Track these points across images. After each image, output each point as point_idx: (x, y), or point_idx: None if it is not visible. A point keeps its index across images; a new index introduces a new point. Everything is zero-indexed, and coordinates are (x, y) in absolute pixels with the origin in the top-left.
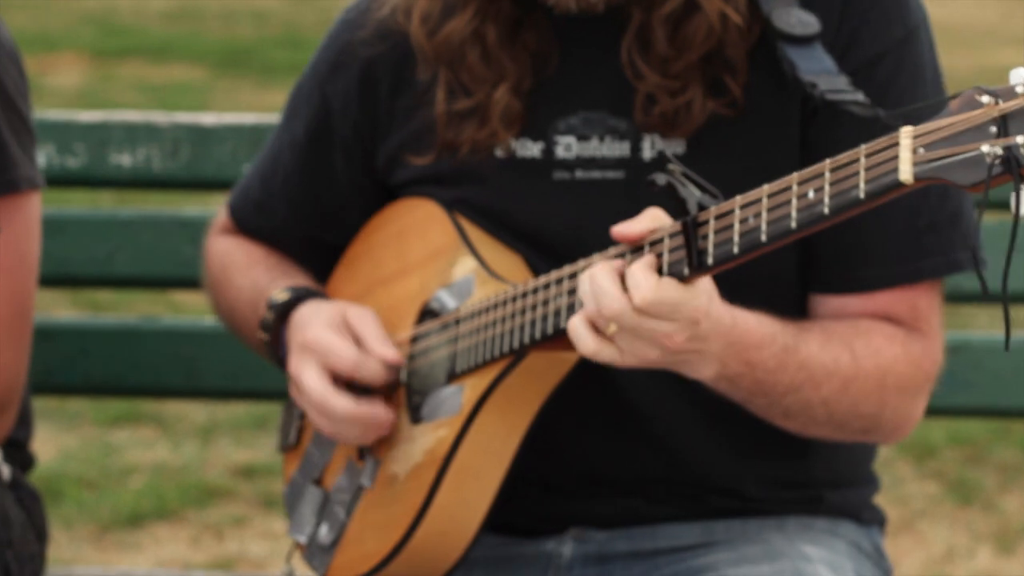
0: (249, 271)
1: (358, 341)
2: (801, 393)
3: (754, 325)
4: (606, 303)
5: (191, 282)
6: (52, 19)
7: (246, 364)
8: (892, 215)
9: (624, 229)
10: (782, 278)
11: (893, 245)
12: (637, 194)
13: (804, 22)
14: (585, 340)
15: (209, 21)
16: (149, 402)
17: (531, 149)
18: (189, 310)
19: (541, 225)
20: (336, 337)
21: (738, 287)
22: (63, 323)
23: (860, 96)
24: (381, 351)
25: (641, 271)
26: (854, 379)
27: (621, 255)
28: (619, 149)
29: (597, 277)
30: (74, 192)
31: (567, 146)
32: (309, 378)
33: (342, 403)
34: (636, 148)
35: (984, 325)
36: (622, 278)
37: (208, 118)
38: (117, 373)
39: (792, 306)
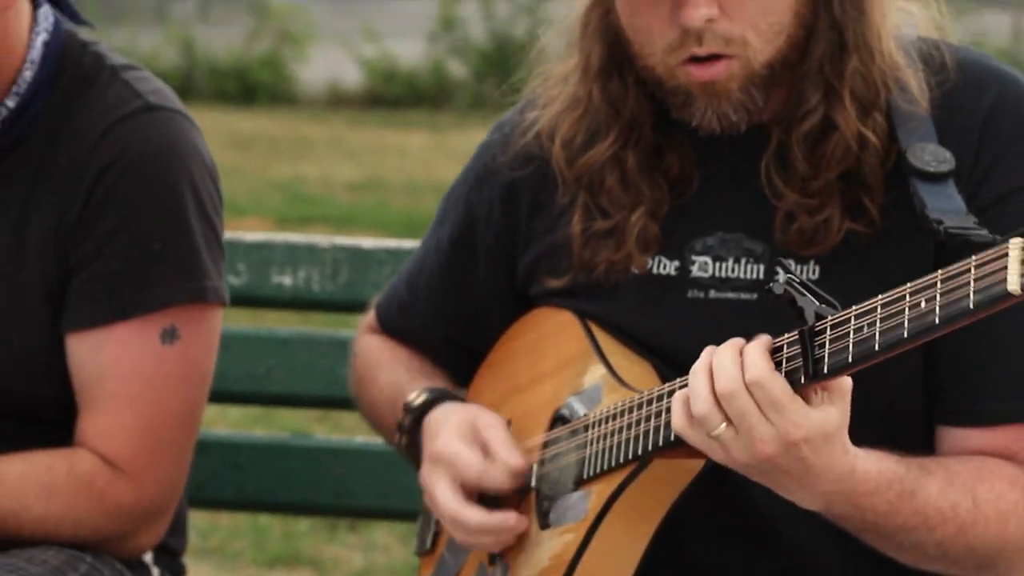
0: (392, 371)
1: (485, 448)
2: (913, 534)
3: (874, 472)
4: (724, 378)
5: (346, 401)
6: (241, 185)
7: (395, 483)
8: (1016, 351)
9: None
10: (904, 409)
11: (1017, 382)
12: (769, 316)
13: (939, 158)
14: (687, 433)
15: (393, 192)
16: (307, 541)
17: (667, 267)
18: (343, 429)
19: (672, 342)
20: (463, 446)
21: (860, 417)
22: (218, 437)
23: (985, 232)
24: (506, 458)
25: (757, 349)
26: (972, 525)
27: None
28: (754, 271)
29: (721, 354)
30: (235, 311)
31: (703, 265)
32: (440, 491)
33: (473, 515)
34: (771, 271)
35: None
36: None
37: (367, 241)
38: (269, 488)
39: (915, 438)
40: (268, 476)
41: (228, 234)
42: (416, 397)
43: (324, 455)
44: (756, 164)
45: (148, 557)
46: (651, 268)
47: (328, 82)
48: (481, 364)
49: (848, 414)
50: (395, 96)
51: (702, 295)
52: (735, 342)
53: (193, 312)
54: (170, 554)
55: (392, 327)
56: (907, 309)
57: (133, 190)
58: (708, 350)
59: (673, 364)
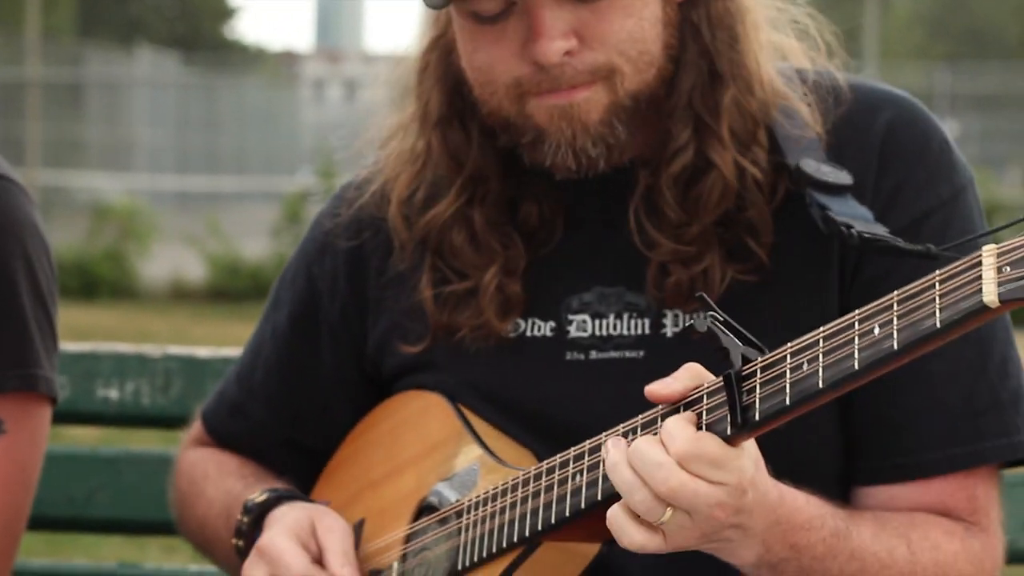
0: (222, 481)
1: (319, 554)
2: None
3: (802, 503)
4: (659, 475)
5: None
6: None
7: None
8: (946, 394)
9: (659, 388)
10: (821, 469)
11: (948, 427)
12: (657, 374)
13: (836, 172)
14: (629, 532)
15: None
16: None
17: (541, 328)
18: (176, 556)
19: (552, 410)
20: (292, 545)
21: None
22: (36, 568)
23: (900, 241)
24: (336, 570)
25: (675, 422)
26: (911, 575)
27: (633, 429)
28: (638, 326)
29: (642, 450)
30: (56, 428)
31: (581, 324)
32: None
33: None
34: (657, 324)
35: None
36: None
37: (202, 351)
38: None
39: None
40: None
41: None
42: (257, 496)
43: None
44: (624, 209)
45: None
46: (523, 331)
47: (171, 277)
48: (330, 460)
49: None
50: (239, 290)
51: (582, 356)
52: (652, 437)
53: (20, 403)
54: None
55: (221, 433)
56: (856, 338)
57: None
58: (616, 439)
59: (554, 435)
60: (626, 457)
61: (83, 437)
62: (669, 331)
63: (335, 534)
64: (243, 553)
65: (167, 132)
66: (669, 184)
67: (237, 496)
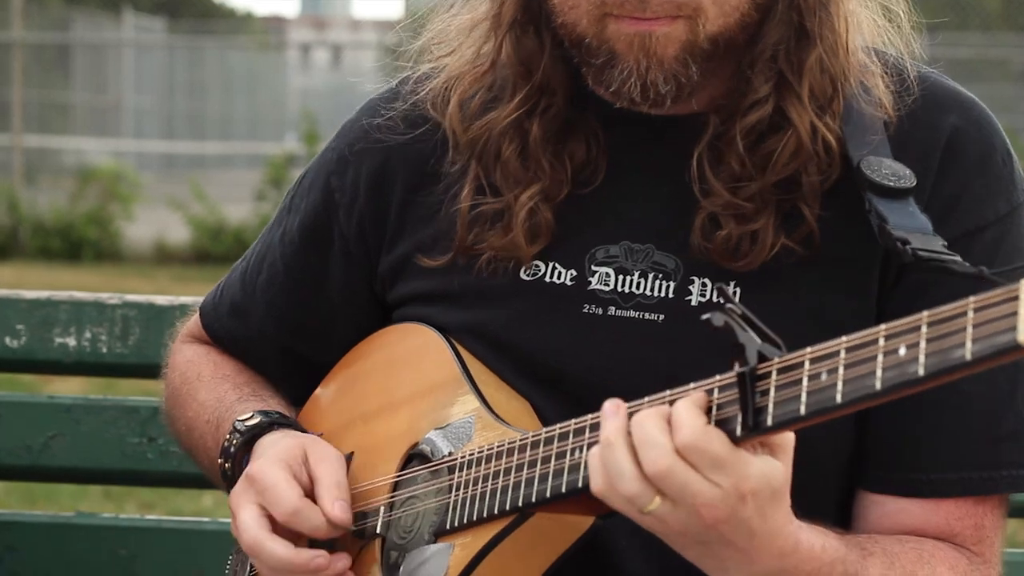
0: (216, 386)
1: (311, 484)
2: None
3: (818, 549)
4: (652, 454)
5: (136, 476)
6: None
7: (190, 566)
8: (970, 416)
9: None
10: (824, 469)
11: (968, 449)
12: (675, 341)
13: (898, 174)
14: (613, 502)
15: None
16: None
17: (562, 275)
18: (132, 506)
19: (558, 361)
20: (284, 477)
21: (796, 490)
22: None
23: (957, 258)
24: (328, 506)
25: (686, 409)
26: None
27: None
28: (662, 289)
29: (644, 426)
30: (13, 376)
31: (604, 278)
32: (245, 515)
33: (278, 548)
34: (683, 290)
35: None
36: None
37: (161, 298)
38: (48, 573)
39: (830, 504)
40: (48, 560)
41: (5, 292)
42: (248, 418)
43: (111, 535)
44: (680, 157)
45: None
46: (543, 275)
47: (155, 240)
48: (321, 382)
49: (790, 474)
50: (222, 253)
51: (600, 311)
52: (659, 410)
53: None
54: None
55: (220, 332)
56: (881, 355)
57: None
58: (616, 408)
59: (558, 392)
60: (625, 430)
61: (41, 385)
62: (695, 299)
63: (327, 464)
64: (228, 475)
65: (153, 96)
66: (742, 134)
67: (229, 407)
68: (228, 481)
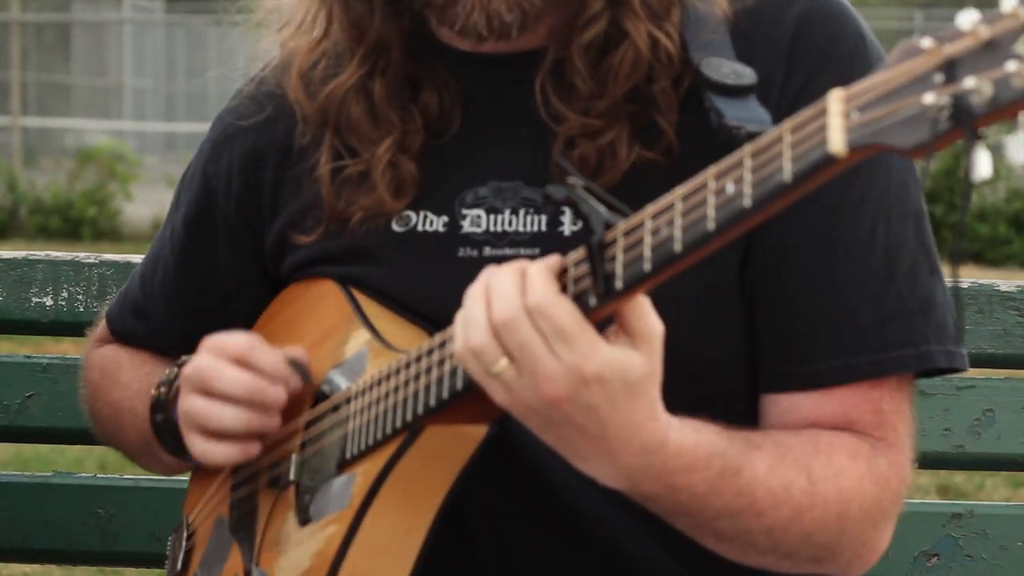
0: (138, 369)
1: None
2: (739, 520)
3: (690, 446)
4: (500, 304)
5: None
6: None
7: (171, 525)
8: (851, 302)
9: None
10: (725, 376)
11: (852, 335)
12: None
13: (738, 72)
14: (469, 365)
15: None
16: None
17: (433, 223)
18: (112, 466)
19: (443, 307)
20: (222, 363)
21: (674, 387)
22: None
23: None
24: (283, 353)
25: (538, 272)
26: (809, 508)
27: None
28: (534, 223)
29: (500, 274)
30: None
31: (475, 219)
32: (187, 402)
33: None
34: (555, 222)
35: None
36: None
37: (138, 257)
38: (25, 534)
39: (733, 410)
40: (25, 521)
41: None
42: (170, 371)
43: (89, 495)
44: (530, 89)
45: None
46: (415, 225)
47: (154, 219)
48: None
49: (659, 370)
50: None
51: (475, 253)
52: (518, 264)
53: None
54: None
55: (125, 333)
56: (712, 196)
57: None
58: (488, 270)
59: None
60: (484, 285)
61: (16, 346)
62: (567, 229)
63: (263, 351)
64: (161, 428)
65: (153, 76)
66: (580, 53)
67: (156, 375)
68: (161, 436)
